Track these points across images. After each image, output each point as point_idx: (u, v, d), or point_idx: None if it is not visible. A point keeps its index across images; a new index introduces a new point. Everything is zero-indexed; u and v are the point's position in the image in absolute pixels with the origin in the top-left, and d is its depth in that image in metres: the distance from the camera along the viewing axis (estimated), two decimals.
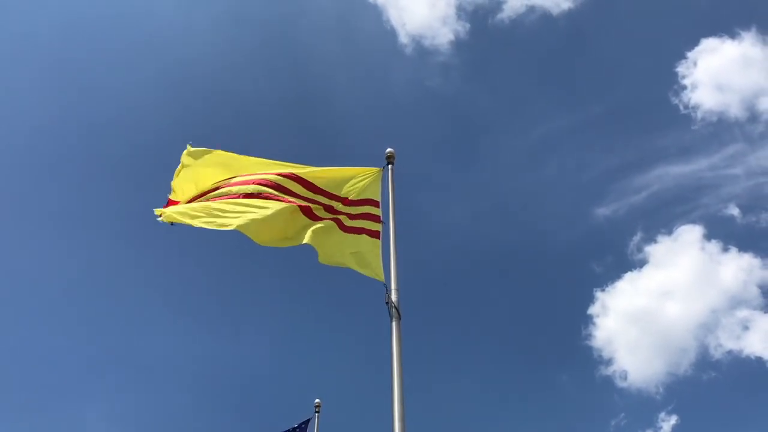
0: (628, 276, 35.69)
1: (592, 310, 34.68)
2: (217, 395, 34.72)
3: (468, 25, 38.41)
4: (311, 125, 40.97)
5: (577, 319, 36.08)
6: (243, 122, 40.40)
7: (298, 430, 16.41)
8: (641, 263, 36.17)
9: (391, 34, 38.89)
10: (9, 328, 34.67)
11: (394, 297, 7.93)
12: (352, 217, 8.80)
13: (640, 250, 35.95)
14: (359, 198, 9.04)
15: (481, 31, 39.28)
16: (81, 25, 38.08)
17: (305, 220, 8.48)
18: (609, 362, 33.70)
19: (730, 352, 31.44)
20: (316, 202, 8.77)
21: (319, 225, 8.41)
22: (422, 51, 38.90)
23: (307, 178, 8.93)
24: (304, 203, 8.62)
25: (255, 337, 37.23)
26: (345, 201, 9.01)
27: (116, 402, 33.79)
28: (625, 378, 32.62)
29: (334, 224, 8.61)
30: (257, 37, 40.48)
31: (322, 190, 8.97)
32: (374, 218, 8.82)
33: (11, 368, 33.64)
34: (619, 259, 37.62)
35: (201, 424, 32.93)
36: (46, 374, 34.53)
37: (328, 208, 8.82)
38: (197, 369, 35.85)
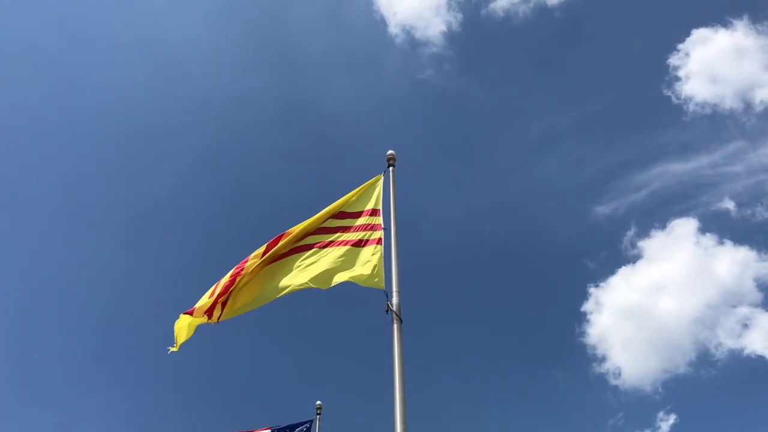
0: (622, 271, 35.52)
1: (586, 306, 34.60)
2: (218, 396, 34.77)
3: (460, 16, 38.10)
4: (301, 118, 40.76)
5: (570, 316, 36.01)
6: (232, 116, 40.42)
7: (299, 427, 16.48)
8: (635, 258, 36.05)
9: (381, 23, 38.54)
10: (8, 326, 34.77)
11: (395, 300, 7.94)
12: (355, 229, 8.78)
13: (633, 245, 35.85)
14: (361, 210, 9.03)
15: (474, 21, 38.91)
16: (67, 18, 38.22)
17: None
18: (603, 359, 33.51)
19: (728, 349, 31.31)
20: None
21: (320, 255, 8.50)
22: (413, 42, 38.51)
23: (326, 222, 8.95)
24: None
25: (256, 338, 37.26)
26: (354, 215, 9.03)
27: (116, 401, 33.84)
28: (620, 375, 32.49)
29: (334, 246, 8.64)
30: (246, 27, 40.43)
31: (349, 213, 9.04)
32: (376, 227, 8.75)
33: (9, 367, 33.74)
34: (612, 255, 37.49)
35: (201, 424, 32.97)
36: (45, 372, 34.62)
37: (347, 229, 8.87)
38: (198, 369, 35.89)
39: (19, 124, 37.77)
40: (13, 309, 35.46)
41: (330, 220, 8.92)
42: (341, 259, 8.35)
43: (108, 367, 35.14)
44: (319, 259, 8.43)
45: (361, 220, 8.88)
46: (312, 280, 8.13)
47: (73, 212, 38.58)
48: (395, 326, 7.72)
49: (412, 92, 41.17)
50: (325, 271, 8.22)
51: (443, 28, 37.71)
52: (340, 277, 8.14)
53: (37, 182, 38.18)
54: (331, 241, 8.64)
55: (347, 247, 8.49)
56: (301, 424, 16.55)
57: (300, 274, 8.28)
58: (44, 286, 36.70)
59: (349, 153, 39.23)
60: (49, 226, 37.88)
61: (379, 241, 8.53)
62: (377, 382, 28.72)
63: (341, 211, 9.01)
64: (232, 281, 8.31)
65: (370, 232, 8.68)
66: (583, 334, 34.59)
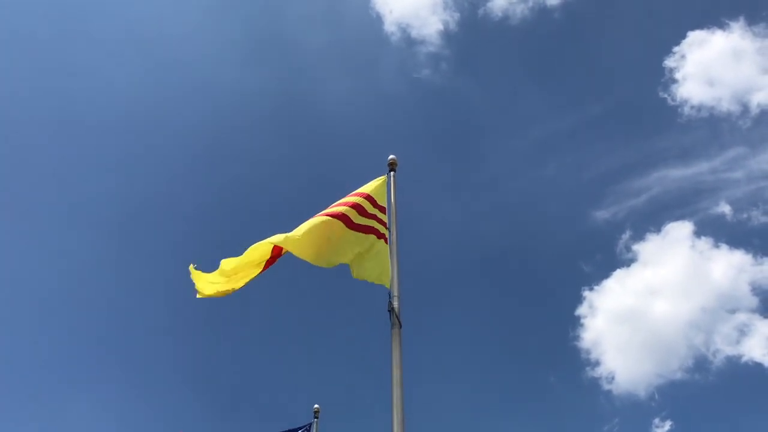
0: (617, 275, 35.31)
1: (580, 310, 34.33)
2: (215, 399, 34.66)
3: (457, 15, 38.01)
4: (296, 116, 40.73)
5: (565, 319, 35.78)
6: (227, 113, 40.35)
7: None
8: (629, 262, 35.88)
9: (377, 21, 38.52)
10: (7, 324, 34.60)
11: (395, 304, 7.92)
12: (367, 215, 8.72)
13: (628, 248, 35.66)
14: (378, 203, 9.02)
15: (471, 21, 38.87)
16: (64, 15, 38.20)
17: (343, 228, 8.35)
18: (597, 364, 33.18)
19: (725, 355, 31.09)
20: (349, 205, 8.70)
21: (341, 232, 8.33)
22: (409, 40, 38.40)
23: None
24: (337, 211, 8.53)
25: (254, 340, 37.12)
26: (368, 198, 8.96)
27: (111, 402, 33.68)
28: (613, 380, 32.20)
29: (343, 223, 8.47)
30: (242, 24, 40.44)
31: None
32: (384, 224, 8.77)
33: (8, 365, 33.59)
34: (607, 258, 37.33)
35: (199, 427, 32.83)
36: (44, 371, 34.47)
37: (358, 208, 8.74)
38: (196, 372, 35.77)
39: (16, 121, 37.71)
40: (8, 307, 35.30)
41: (361, 199, 8.84)
42: (367, 248, 8.39)
43: (103, 368, 35.09)
44: (351, 240, 8.39)
45: (377, 212, 8.87)
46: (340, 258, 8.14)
47: (68, 209, 38.58)
48: (394, 331, 7.72)
49: (408, 91, 41.18)
50: (339, 246, 8.21)
51: (440, 27, 37.67)
52: (346, 260, 8.19)
53: (33, 179, 38.11)
54: (363, 225, 8.59)
55: (377, 240, 8.52)
56: (299, 428, 16.44)
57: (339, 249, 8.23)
58: (41, 284, 36.59)
59: (345, 151, 39.28)
60: (45, 223, 37.85)
61: (386, 240, 8.58)
62: (375, 385, 28.68)
63: (369, 194, 8.99)
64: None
65: (385, 229, 8.72)
66: (577, 338, 34.39)
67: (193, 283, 7.83)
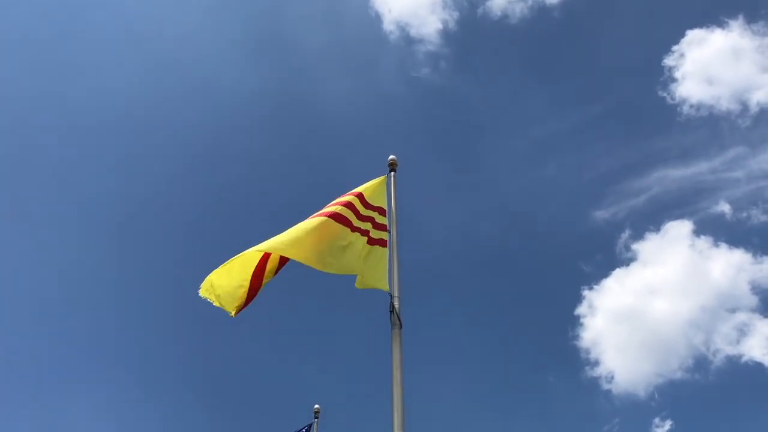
0: (616, 274, 35.21)
1: (580, 310, 34.23)
2: (215, 399, 34.63)
3: (456, 14, 37.96)
4: (296, 115, 40.66)
5: (564, 319, 35.66)
6: (226, 112, 40.32)
7: None
8: (629, 261, 35.78)
9: (376, 20, 38.50)
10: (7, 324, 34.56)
11: (395, 304, 7.88)
12: (361, 218, 8.59)
13: (628, 248, 35.59)
14: (375, 205, 8.90)
15: (471, 20, 38.79)
16: (62, 13, 38.19)
17: (337, 227, 8.18)
18: (596, 363, 33.07)
19: (725, 355, 31.02)
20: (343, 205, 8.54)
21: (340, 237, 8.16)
22: (408, 39, 38.33)
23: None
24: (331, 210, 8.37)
25: (253, 340, 37.09)
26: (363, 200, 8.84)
27: (110, 402, 33.65)
28: (613, 379, 32.09)
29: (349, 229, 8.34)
30: (240, 23, 40.39)
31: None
32: (381, 227, 8.67)
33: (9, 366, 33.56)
34: (607, 258, 37.24)
35: (199, 427, 32.82)
36: (44, 371, 34.43)
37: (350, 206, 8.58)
38: (196, 372, 35.74)
39: (15, 120, 37.67)
40: (8, 307, 35.27)
41: (353, 197, 8.70)
42: (361, 252, 8.22)
43: (103, 368, 35.04)
44: (349, 243, 8.20)
45: (375, 215, 8.77)
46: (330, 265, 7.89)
47: (68, 209, 38.52)
48: (395, 331, 7.69)
49: (407, 90, 41.14)
50: (348, 260, 8.05)
51: (439, 26, 37.65)
52: (349, 270, 8.04)
53: (33, 179, 38.09)
54: (358, 228, 8.45)
55: (369, 245, 8.38)
56: (299, 429, 16.44)
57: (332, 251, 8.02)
58: (41, 284, 36.56)
59: (344, 151, 39.27)
60: (43, 224, 37.78)
61: (384, 243, 8.49)
62: (375, 386, 28.61)
63: (360, 192, 8.86)
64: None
65: (381, 232, 8.62)
66: (576, 337, 34.31)
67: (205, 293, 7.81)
